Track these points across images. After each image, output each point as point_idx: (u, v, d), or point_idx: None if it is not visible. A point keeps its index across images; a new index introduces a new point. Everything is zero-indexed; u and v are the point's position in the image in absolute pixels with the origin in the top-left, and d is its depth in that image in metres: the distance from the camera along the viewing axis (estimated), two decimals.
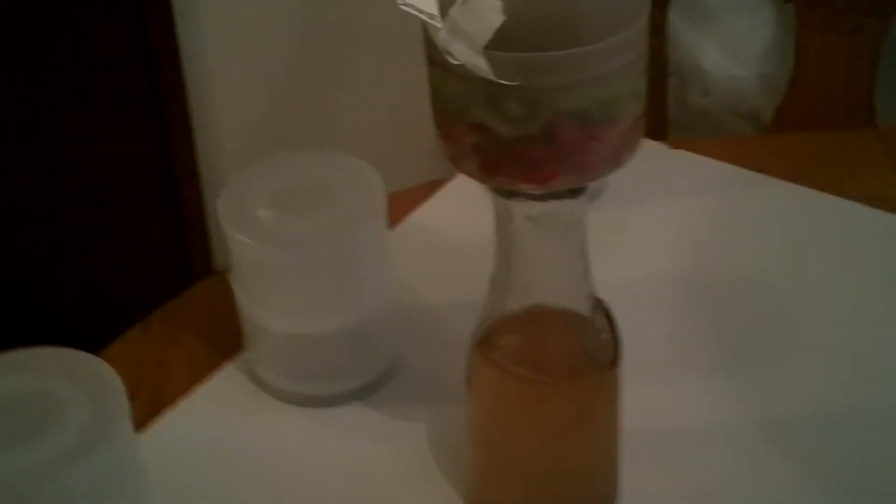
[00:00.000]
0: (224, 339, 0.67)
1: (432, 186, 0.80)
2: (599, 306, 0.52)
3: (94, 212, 1.24)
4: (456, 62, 0.41)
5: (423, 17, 0.41)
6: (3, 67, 1.17)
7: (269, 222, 0.59)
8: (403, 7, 0.41)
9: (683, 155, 0.82)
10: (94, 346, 0.58)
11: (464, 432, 0.57)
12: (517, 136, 0.43)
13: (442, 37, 0.41)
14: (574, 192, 0.47)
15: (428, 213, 0.78)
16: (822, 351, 0.66)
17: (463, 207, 0.78)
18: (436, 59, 0.43)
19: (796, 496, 0.58)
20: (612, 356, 0.52)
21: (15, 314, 1.31)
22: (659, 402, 0.62)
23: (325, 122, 1.22)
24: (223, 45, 1.14)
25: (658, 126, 1.08)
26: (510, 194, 0.47)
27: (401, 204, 0.75)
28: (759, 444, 0.60)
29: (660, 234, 0.75)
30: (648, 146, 0.51)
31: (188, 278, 1.22)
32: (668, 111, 1.10)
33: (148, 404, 0.64)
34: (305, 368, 0.63)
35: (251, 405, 0.64)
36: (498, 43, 0.40)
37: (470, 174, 0.45)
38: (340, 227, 0.59)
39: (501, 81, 0.41)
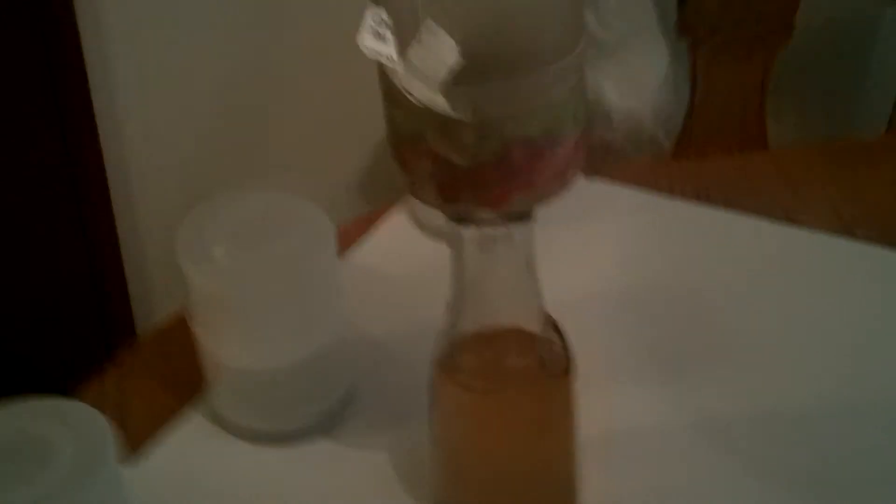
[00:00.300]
0: (180, 381, 0.70)
1: (366, 221, 0.84)
2: (549, 322, 0.56)
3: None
4: (414, 100, 0.45)
5: (383, 59, 0.45)
6: None
7: (225, 258, 0.62)
8: (364, 50, 0.45)
9: (599, 184, 0.88)
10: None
11: (427, 448, 0.60)
12: (472, 163, 0.47)
13: (400, 77, 0.45)
14: (522, 216, 0.51)
15: (368, 247, 0.82)
16: (745, 352, 0.72)
17: (399, 241, 0.82)
18: (390, 95, 0.47)
19: (738, 489, 0.62)
20: (564, 366, 0.56)
21: None
22: (608, 408, 0.66)
23: (244, 163, 1.25)
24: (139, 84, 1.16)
25: None
26: (464, 221, 0.51)
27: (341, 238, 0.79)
28: (703, 443, 0.65)
29: (589, 255, 0.80)
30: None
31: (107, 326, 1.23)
32: None
33: None
34: (265, 403, 0.66)
35: (215, 446, 0.67)
36: (451, 77, 0.44)
37: (429, 202, 0.49)
38: (294, 261, 0.62)
39: (457, 115, 0.45)
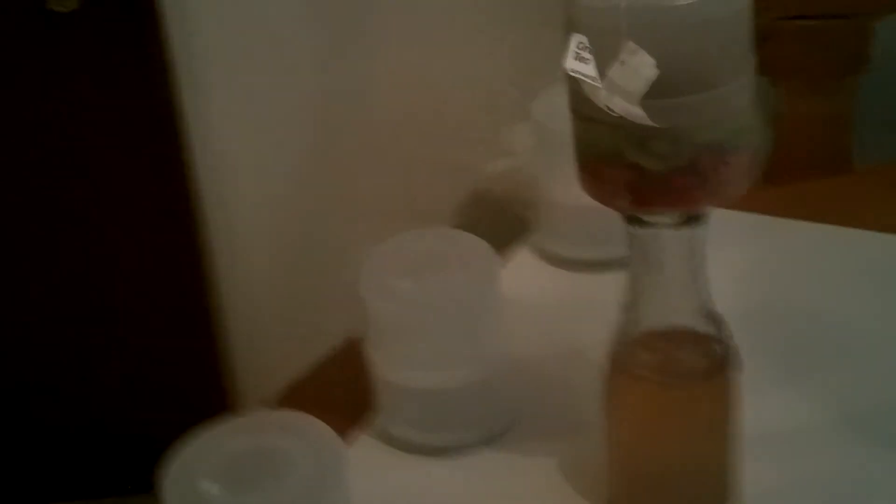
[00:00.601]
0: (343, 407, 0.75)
1: None
2: (718, 321, 0.60)
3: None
4: (615, 114, 0.50)
5: (587, 79, 0.50)
6: None
7: (408, 289, 0.68)
8: (571, 73, 0.50)
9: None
10: None
11: (597, 450, 0.65)
12: (665, 170, 0.52)
13: (601, 94, 0.50)
14: (695, 219, 0.56)
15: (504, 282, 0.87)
16: (867, 352, 0.76)
17: (530, 274, 0.87)
18: (586, 113, 0.53)
19: (881, 473, 0.67)
20: (733, 363, 0.61)
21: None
22: (756, 408, 0.70)
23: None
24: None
25: None
26: (645, 224, 0.56)
27: None
28: (846, 436, 0.69)
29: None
30: None
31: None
32: None
33: None
34: (437, 420, 0.71)
35: (390, 461, 0.71)
36: (647, 93, 0.50)
37: (622, 209, 0.55)
38: (467, 289, 0.68)
39: (655, 125, 0.50)
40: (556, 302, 0.84)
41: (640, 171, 0.52)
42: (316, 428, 0.57)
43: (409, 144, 1.30)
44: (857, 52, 1.13)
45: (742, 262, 0.86)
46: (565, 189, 0.85)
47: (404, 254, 0.70)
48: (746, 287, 0.83)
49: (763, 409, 0.71)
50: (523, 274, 0.88)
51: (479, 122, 1.31)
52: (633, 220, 0.57)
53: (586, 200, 0.83)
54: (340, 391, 0.77)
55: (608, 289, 0.84)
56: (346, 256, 1.32)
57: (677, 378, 0.60)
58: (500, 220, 1.12)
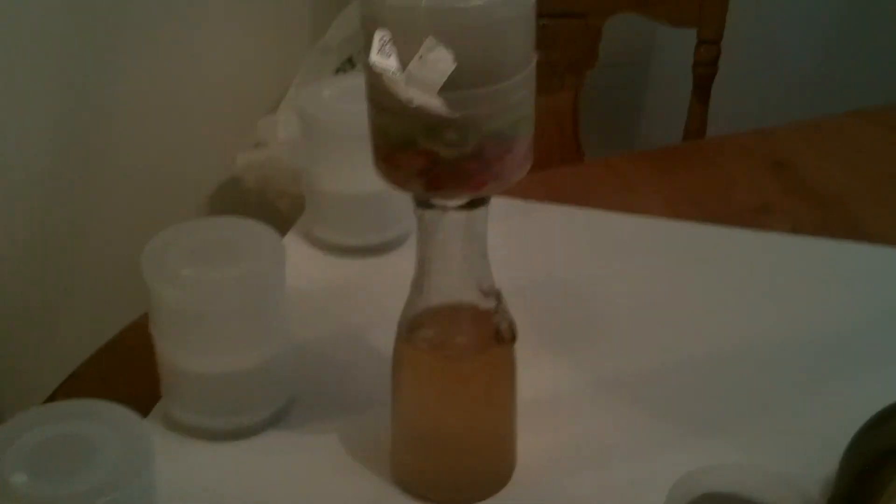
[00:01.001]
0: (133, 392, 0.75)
1: None
2: (498, 297, 0.66)
3: None
4: (413, 105, 0.54)
5: (388, 72, 0.54)
6: None
7: (191, 276, 0.69)
8: (373, 66, 0.54)
9: None
10: None
11: (384, 423, 0.69)
12: (455, 156, 0.56)
13: (401, 86, 0.54)
14: (479, 203, 0.61)
15: None
16: (625, 323, 0.84)
17: (302, 260, 0.90)
18: (383, 104, 0.56)
19: (645, 431, 0.74)
20: (510, 337, 0.66)
21: None
22: (530, 377, 0.76)
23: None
24: None
25: None
26: (429, 207, 0.60)
27: None
28: (609, 397, 0.76)
29: None
30: None
31: None
32: None
33: None
34: (222, 404, 0.72)
35: (177, 446, 0.72)
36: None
37: (415, 192, 0.59)
38: (251, 278, 0.70)
39: (447, 115, 0.54)
40: (329, 287, 0.87)
41: (432, 158, 0.57)
42: (120, 413, 0.58)
43: (161, 139, 1.29)
44: (587, 49, 1.22)
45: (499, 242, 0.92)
46: (333, 178, 0.89)
47: (188, 240, 0.71)
48: (511, 267, 0.90)
49: (537, 376, 0.77)
50: (293, 260, 0.90)
51: (230, 115, 1.32)
52: (421, 203, 0.61)
53: (353, 189, 0.88)
54: (122, 378, 0.77)
55: (377, 273, 0.89)
56: (100, 252, 1.30)
57: (455, 350, 0.65)
58: (255, 210, 1.13)
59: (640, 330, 0.84)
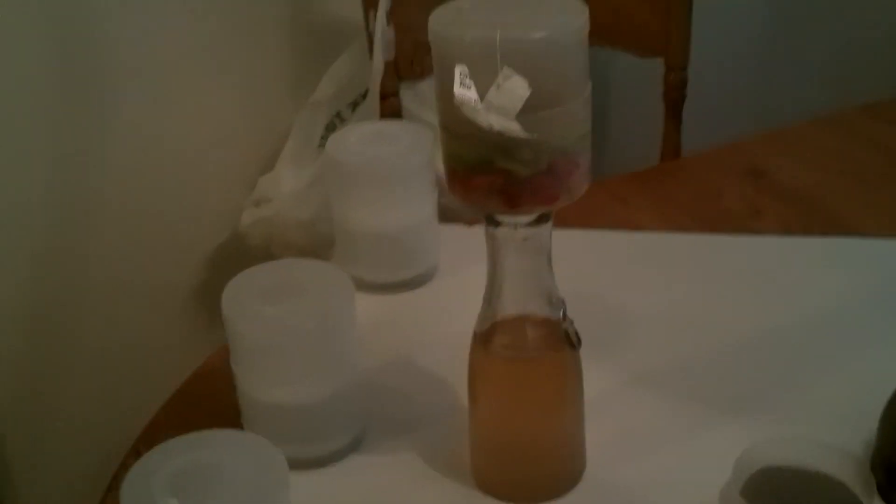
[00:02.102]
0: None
1: None
2: (563, 307, 0.71)
3: None
4: (495, 130, 0.60)
5: (470, 101, 0.60)
6: None
7: (269, 314, 0.74)
8: (456, 98, 0.60)
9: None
10: None
11: (460, 432, 0.74)
12: (530, 174, 0.63)
13: (481, 113, 0.60)
14: (544, 219, 0.67)
15: None
16: (648, 327, 0.91)
17: None
18: (460, 132, 0.62)
19: (686, 417, 0.80)
20: (577, 341, 0.72)
21: None
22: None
23: None
24: None
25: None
26: (499, 224, 0.66)
27: None
28: (649, 395, 0.83)
29: None
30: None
31: None
32: None
33: None
34: (302, 433, 0.77)
35: None
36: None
37: (493, 210, 0.65)
38: (327, 312, 0.75)
39: (522, 136, 0.61)
40: (370, 322, 0.92)
41: (509, 177, 0.63)
42: (256, 443, 0.63)
43: (160, 203, 1.33)
44: None
45: None
46: (363, 217, 0.94)
47: (265, 281, 0.76)
48: None
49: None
50: None
51: (227, 175, 1.36)
52: (491, 221, 0.67)
53: (383, 227, 0.94)
54: (199, 420, 0.82)
55: (412, 306, 0.95)
56: (103, 318, 1.33)
57: (527, 352, 0.71)
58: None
59: (660, 331, 0.90)
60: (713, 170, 1.15)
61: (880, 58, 1.72)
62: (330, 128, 1.29)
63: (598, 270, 0.98)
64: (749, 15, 1.65)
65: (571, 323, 0.71)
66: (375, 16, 1.18)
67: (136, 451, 0.80)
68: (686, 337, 0.89)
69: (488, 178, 0.63)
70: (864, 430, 0.76)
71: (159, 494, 0.58)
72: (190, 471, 0.60)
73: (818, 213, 1.06)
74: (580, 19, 0.62)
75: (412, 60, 1.26)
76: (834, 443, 0.73)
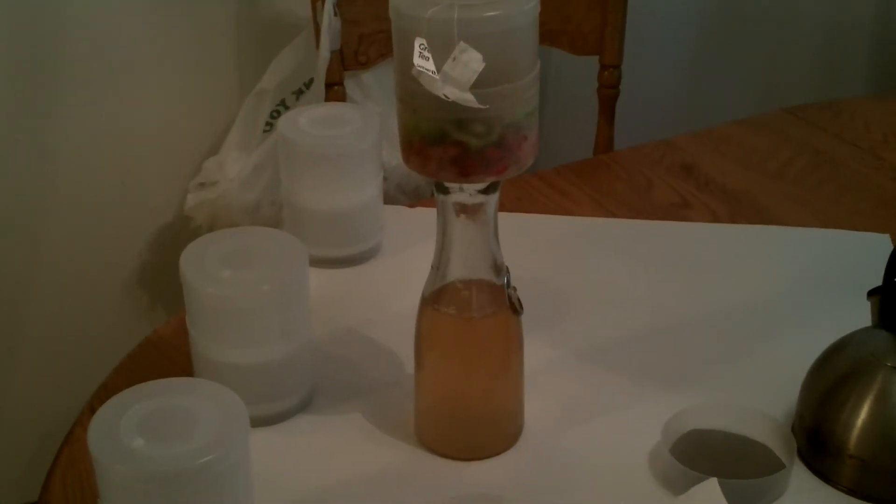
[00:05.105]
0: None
1: None
2: (507, 274, 0.76)
3: None
4: (450, 99, 0.64)
5: (428, 72, 0.64)
6: None
7: (227, 276, 0.77)
8: (415, 68, 0.64)
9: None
10: None
11: (413, 386, 0.78)
12: (482, 145, 0.67)
13: (438, 84, 0.64)
14: (492, 188, 0.71)
15: None
16: (585, 306, 0.95)
17: None
18: (417, 104, 0.66)
19: (625, 389, 0.85)
20: (520, 306, 0.76)
21: None
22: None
23: None
24: None
25: None
26: (449, 192, 0.70)
27: None
28: (586, 367, 0.87)
29: None
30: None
31: None
32: None
33: None
34: (254, 392, 0.80)
35: None
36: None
37: (448, 179, 0.68)
38: (283, 276, 0.78)
39: (476, 109, 0.65)
40: (318, 294, 0.96)
41: (462, 148, 0.67)
42: (216, 389, 0.66)
43: (104, 183, 1.35)
44: None
45: None
46: (312, 196, 0.97)
47: (222, 247, 0.79)
48: None
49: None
50: None
51: (171, 158, 1.38)
52: (441, 188, 0.71)
53: (331, 205, 0.97)
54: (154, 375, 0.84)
55: (358, 280, 0.98)
56: (49, 294, 1.35)
57: (472, 314, 0.75)
58: None
59: (595, 310, 0.95)
60: (645, 164, 1.20)
61: (805, 64, 1.80)
62: (275, 115, 1.32)
63: (537, 253, 1.02)
64: (682, 17, 1.71)
65: (515, 290, 0.76)
66: (323, 6, 1.22)
67: (91, 409, 0.82)
68: (620, 315, 0.94)
69: (443, 149, 0.67)
70: (785, 400, 0.81)
71: (127, 436, 0.61)
72: (157, 413, 0.63)
73: (743, 205, 1.12)
74: (532, 1, 0.66)
75: (356, 52, 1.29)
76: (761, 409, 0.78)
